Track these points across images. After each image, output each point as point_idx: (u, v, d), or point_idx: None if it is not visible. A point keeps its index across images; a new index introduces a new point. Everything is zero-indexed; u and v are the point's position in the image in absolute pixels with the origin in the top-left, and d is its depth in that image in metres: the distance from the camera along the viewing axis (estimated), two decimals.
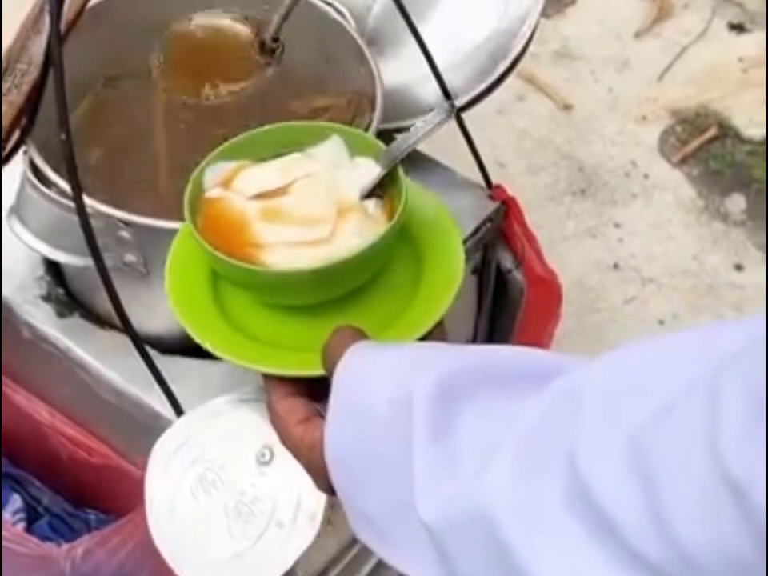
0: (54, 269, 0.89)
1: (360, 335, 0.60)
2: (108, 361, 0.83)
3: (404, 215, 0.63)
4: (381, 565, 1.12)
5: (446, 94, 0.88)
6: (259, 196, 0.65)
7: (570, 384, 0.48)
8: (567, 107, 1.99)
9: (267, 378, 0.63)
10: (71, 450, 0.93)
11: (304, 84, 0.91)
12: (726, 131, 1.95)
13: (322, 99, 0.90)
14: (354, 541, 1.07)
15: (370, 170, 0.65)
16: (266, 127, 0.68)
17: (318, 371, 0.61)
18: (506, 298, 1.05)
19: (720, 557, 0.39)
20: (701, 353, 0.43)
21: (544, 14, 2.04)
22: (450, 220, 0.69)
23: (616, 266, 1.75)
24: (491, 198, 0.96)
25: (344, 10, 0.91)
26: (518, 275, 1.02)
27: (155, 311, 0.80)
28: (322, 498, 0.65)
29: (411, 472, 0.51)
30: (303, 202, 0.64)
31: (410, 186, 0.65)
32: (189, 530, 0.67)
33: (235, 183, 0.66)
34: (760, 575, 0.38)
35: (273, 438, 0.64)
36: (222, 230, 0.64)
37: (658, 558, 0.41)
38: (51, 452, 0.95)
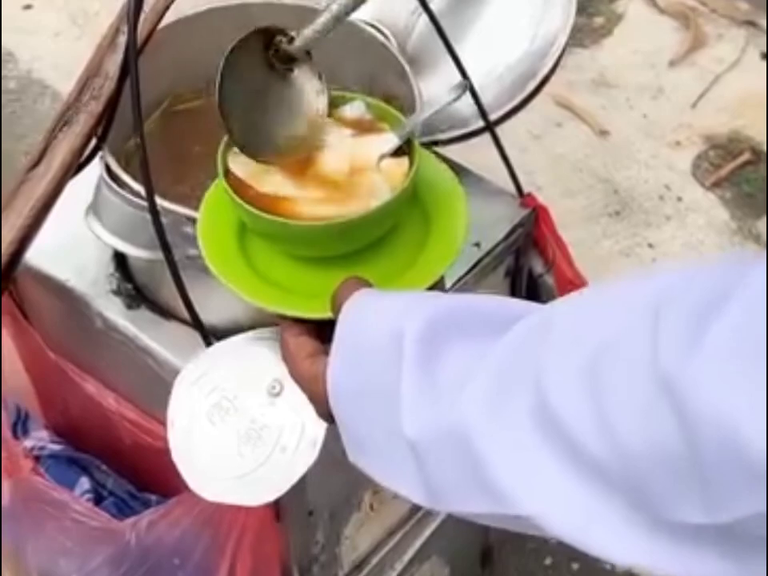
0: (122, 266, 0.97)
1: (365, 285, 0.68)
2: (172, 348, 0.91)
3: (415, 180, 0.71)
4: (424, 548, 1.18)
5: (464, 75, 0.94)
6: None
7: (538, 318, 0.56)
8: (603, 133, 2.06)
9: (282, 318, 0.72)
10: (135, 435, 0.99)
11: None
12: (759, 156, 2.01)
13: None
14: (398, 526, 1.14)
15: (388, 139, 0.74)
16: None
17: (326, 314, 0.69)
18: (537, 302, 1.11)
19: (652, 451, 0.46)
20: (650, 287, 0.50)
21: (581, 44, 2.13)
22: (457, 188, 0.77)
23: None
24: (522, 205, 1.04)
25: (386, 30, 0.99)
26: (548, 279, 1.09)
27: (213, 301, 0.87)
28: (323, 427, 0.72)
29: (399, 396, 0.59)
30: (325, 162, 0.73)
31: (423, 155, 0.74)
32: (204, 450, 0.75)
33: None
34: (685, 465, 0.45)
35: (284, 373, 0.72)
36: (248, 182, 0.72)
37: (604, 456, 0.48)
38: (116, 437, 1.02)
